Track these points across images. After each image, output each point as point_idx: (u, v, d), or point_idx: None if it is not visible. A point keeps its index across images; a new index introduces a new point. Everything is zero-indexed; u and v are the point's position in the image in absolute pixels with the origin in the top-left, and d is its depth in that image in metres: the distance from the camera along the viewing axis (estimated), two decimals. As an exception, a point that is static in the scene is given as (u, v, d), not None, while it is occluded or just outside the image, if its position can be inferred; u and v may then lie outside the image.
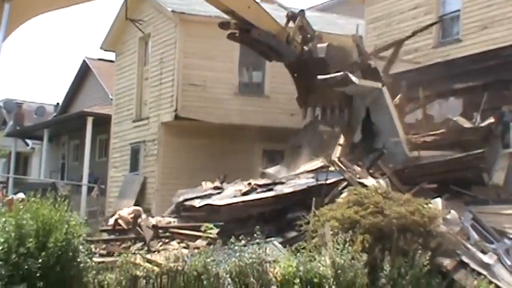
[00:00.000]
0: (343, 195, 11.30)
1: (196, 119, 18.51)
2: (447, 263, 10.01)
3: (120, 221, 13.40)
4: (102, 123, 23.38)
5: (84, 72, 30.32)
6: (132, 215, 13.52)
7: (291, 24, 14.38)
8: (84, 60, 30.21)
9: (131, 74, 21.28)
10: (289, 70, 14.59)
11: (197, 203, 13.95)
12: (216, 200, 13.63)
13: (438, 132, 13.54)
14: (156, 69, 19.73)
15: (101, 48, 22.61)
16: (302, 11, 14.59)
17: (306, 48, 14.13)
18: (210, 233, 11.88)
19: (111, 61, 24.40)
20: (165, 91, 19.15)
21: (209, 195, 14.30)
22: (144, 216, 13.74)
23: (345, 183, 12.21)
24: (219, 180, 15.27)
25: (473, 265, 10.21)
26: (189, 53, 18.67)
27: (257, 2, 13.78)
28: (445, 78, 15.15)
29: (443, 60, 15.48)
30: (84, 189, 23.81)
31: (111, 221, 13.65)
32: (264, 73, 19.56)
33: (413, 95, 15.61)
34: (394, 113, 13.74)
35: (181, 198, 14.71)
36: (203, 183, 15.12)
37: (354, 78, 13.34)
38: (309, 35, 14.35)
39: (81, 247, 8.71)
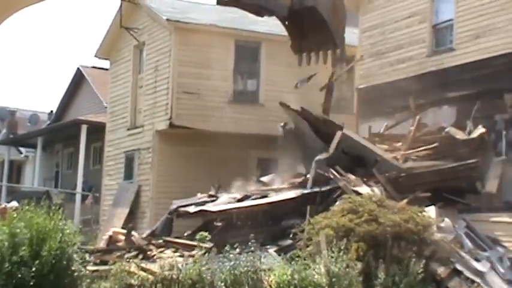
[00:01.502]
0: (338, 203, 11.32)
1: (191, 127, 18.50)
2: (441, 270, 10.04)
3: (114, 237, 13.48)
4: (97, 131, 23.35)
5: (79, 80, 30.30)
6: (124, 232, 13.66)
7: None
8: (78, 68, 30.20)
9: (126, 82, 21.28)
10: (281, 21, 14.44)
11: (191, 209, 13.98)
12: (211, 207, 13.66)
13: (431, 146, 13.60)
14: (150, 77, 19.74)
15: (96, 56, 22.58)
16: None
17: None
18: (205, 242, 11.85)
19: (106, 69, 24.40)
20: (159, 99, 19.16)
21: (203, 203, 14.33)
22: (135, 233, 13.87)
23: (339, 191, 12.24)
24: (214, 188, 15.29)
25: (467, 273, 10.24)
26: (184, 61, 18.69)
27: None
28: (438, 86, 15.23)
29: (437, 69, 15.56)
30: (78, 197, 23.76)
31: (104, 243, 13.70)
32: (258, 81, 19.60)
33: (407, 103, 15.70)
34: (367, 145, 13.79)
35: (175, 206, 14.74)
36: (198, 194, 15.13)
37: None
38: None
39: (75, 256, 8.70)
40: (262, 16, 14.80)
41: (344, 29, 14.53)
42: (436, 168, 12.90)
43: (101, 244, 14.11)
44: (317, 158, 13.35)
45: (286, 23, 14.32)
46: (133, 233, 13.77)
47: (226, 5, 13.60)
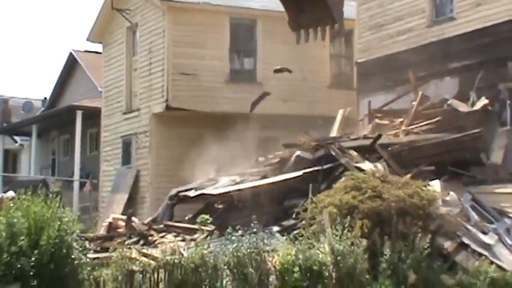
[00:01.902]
0: (341, 180, 11.33)
1: (188, 108, 18.49)
2: (448, 245, 10.07)
3: (113, 224, 13.53)
4: (92, 116, 23.33)
5: (72, 65, 30.20)
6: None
7: None
8: (70, 53, 30.08)
9: (120, 65, 21.21)
10: None
11: (191, 193, 14.01)
12: (211, 190, 13.69)
13: (433, 120, 13.57)
14: (145, 60, 19.68)
15: (88, 39, 22.49)
16: None
17: None
18: (206, 225, 11.90)
19: (99, 53, 24.31)
20: (155, 81, 19.12)
21: (203, 186, 14.37)
22: (135, 219, 13.92)
23: (341, 169, 12.25)
24: (214, 171, 15.31)
25: (474, 246, 10.28)
26: (178, 41, 18.62)
27: None
28: (440, 57, 15.17)
29: (437, 40, 15.49)
30: (76, 184, 23.80)
31: (104, 229, 13.75)
32: (255, 59, 19.53)
33: (408, 76, 15.64)
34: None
35: (174, 191, 14.78)
36: (198, 177, 15.14)
37: None
38: None
39: (74, 244, 8.72)
40: None
41: (343, 2, 14.33)
42: (439, 140, 12.90)
43: (101, 231, 14.16)
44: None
45: None
46: (133, 218, 13.81)
47: None
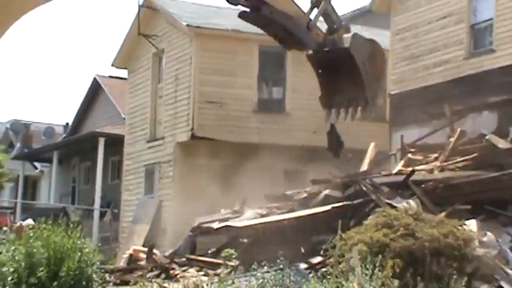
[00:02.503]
0: (371, 217, 11.25)
1: (214, 138, 18.57)
2: (485, 289, 9.91)
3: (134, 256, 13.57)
4: (115, 144, 23.51)
5: (95, 90, 30.57)
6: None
7: (315, 11, 13.94)
8: (94, 78, 30.47)
9: (145, 91, 21.44)
10: (312, 63, 14.13)
11: (215, 225, 14.00)
12: (236, 222, 13.68)
13: (470, 157, 13.44)
14: (171, 87, 19.87)
15: (113, 65, 22.78)
16: None
17: (329, 37, 13.61)
18: (231, 259, 11.87)
19: (123, 78, 24.60)
20: (180, 109, 19.26)
21: (228, 219, 14.37)
22: (157, 251, 13.93)
23: (372, 205, 12.18)
24: (239, 203, 15.31)
25: (512, 291, 10.10)
26: (205, 68, 18.78)
27: None
28: (478, 91, 15.10)
29: (475, 72, 15.43)
30: (96, 213, 23.92)
31: (124, 261, 13.78)
32: (284, 88, 19.62)
33: (443, 110, 15.56)
34: None
35: (197, 223, 14.79)
36: (222, 210, 15.15)
37: None
38: (335, 25, 13.85)
39: (95, 276, 8.76)
40: (289, 49, 14.17)
41: (380, 81, 13.91)
42: (476, 178, 12.77)
43: (121, 263, 14.19)
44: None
45: (320, 71, 13.93)
46: (154, 251, 13.83)
47: (246, 20, 13.29)
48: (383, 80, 13.99)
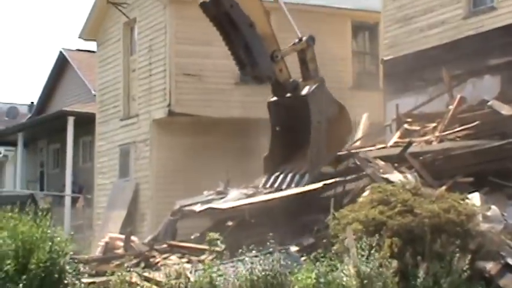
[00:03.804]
0: (366, 193, 11.32)
1: (193, 114, 18.56)
2: (490, 266, 10.01)
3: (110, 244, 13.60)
4: (85, 123, 23.49)
5: (62, 65, 30.45)
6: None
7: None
8: (61, 52, 30.34)
9: (116, 65, 21.35)
10: (269, 111, 13.80)
11: (197, 207, 14.05)
12: (220, 204, 13.72)
13: (471, 125, 13.51)
14: (144, 59, 19.79)
15: (80, 37, 22.70)
16: (312, 39, 13.83)
17: (293, 80, 13.37)
18: (215, 244, 11.91)
19: (92, 51, 24.50)
20: (155, 83, 19.21)
21: (211, 200, 14.40)
22: (135, 238, 13.97)
23: (367, 180, 12.25)
24: (222, 184, 15.34)
25: (520, 268, 10.21)
26: (182, 38, 18.71)
27: None
28: (478, 53, 15.13)
29: (475, 33, 15.46)
30: (67, 200, 23.94)
31: (99, 250, 13.81)
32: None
33: (440, 75, 15.61)
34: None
35: (178, 206, 14.83)
36: (205, 192, 15.19)
37: None
38: (309, 71, 13.48)
39: (67, 267, 8.77)
40: (244, 70, 14.13)
41: (332, 152, 13.53)
42: (479, 147, 12.85)
43: (96, 252, 14.22)
44: None
45: (277, 128, 13.72)
46: (132, 238, 13.86)
47: (204, 12, 13.16)
48: (336, 151, 13.66)
